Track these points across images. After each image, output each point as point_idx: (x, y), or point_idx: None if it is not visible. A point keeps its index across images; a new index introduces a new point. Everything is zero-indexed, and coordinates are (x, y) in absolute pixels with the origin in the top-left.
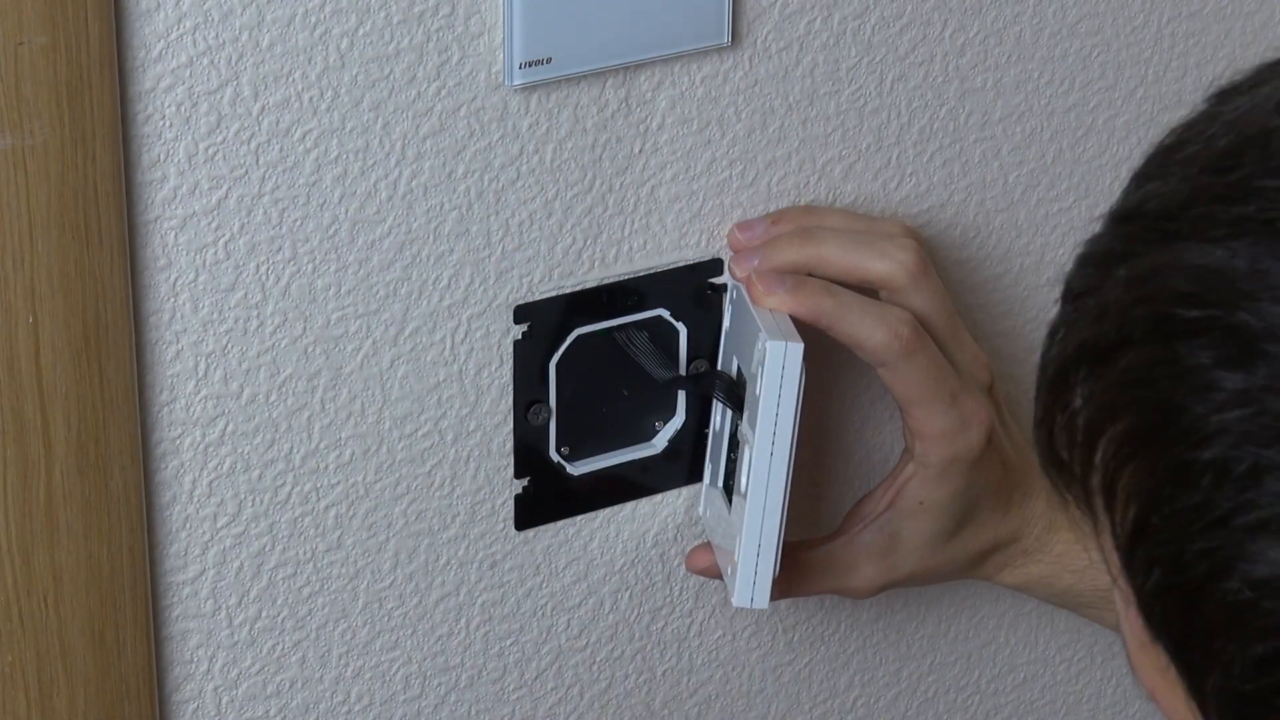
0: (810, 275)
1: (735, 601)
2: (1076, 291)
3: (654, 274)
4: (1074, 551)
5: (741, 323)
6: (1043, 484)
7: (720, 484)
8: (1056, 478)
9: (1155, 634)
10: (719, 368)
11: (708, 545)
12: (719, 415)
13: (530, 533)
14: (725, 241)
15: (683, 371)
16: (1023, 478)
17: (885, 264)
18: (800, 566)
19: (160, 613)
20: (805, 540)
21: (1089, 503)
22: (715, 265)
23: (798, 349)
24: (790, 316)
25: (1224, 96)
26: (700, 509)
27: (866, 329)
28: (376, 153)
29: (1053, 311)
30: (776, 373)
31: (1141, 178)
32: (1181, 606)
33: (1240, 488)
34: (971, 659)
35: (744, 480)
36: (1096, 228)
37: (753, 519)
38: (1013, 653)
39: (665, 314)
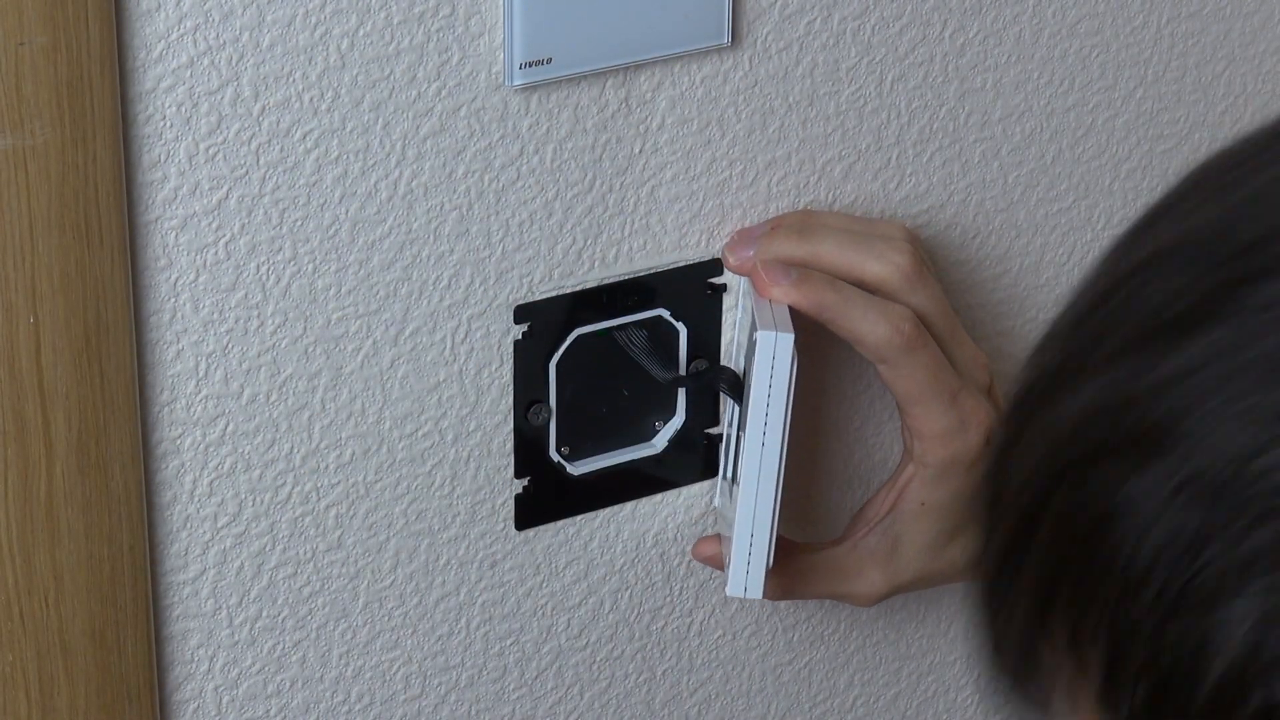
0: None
1: (729, 590)
2: (989, 497)
3: (654, 274)
4: None
5: (747, 317)
6: None
7: (727, 475)
8: (1009, 686)
9: None
10: (730, 363)
11: (716, 536)
12: (731, 409)
13: (530, 533)
14: (725, 244)
15: (683, 371)
16: None
17: (881, 265)
18: (804, 568)
19: (161, 612)
20: (810, 543)
21: (1041, 698)
22: (715, 265)
23: (788, 339)
24: (791, 310)
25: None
26: (716, 500)
27: (869, 324)
28: (377, 153)
29: (1052, 311)
30: (767, 363)
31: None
32: (1177, 707)
33: (1184, 587)
34: (971, 659)
35: (738, 470)
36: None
37: (745, 508)
38: None
39: (665, 314)
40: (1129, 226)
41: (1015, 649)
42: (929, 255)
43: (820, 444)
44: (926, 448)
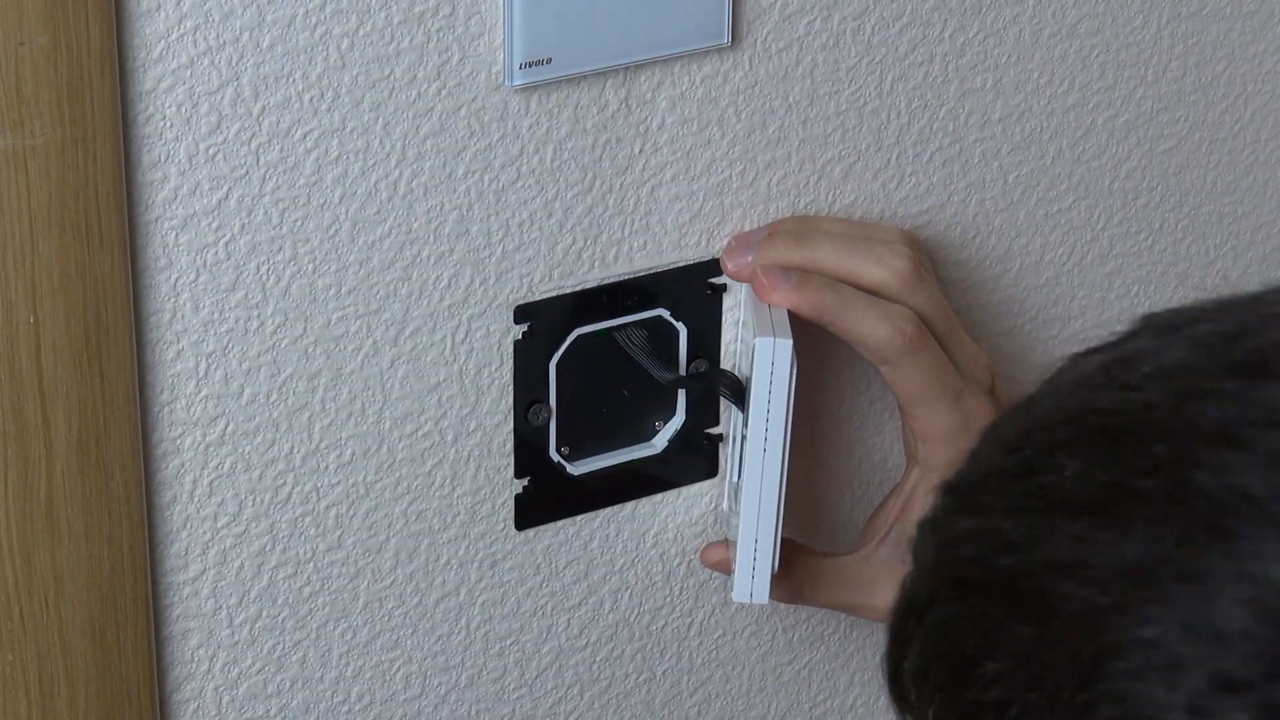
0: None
1: (735, 596)
2: (914, 553)
3: (654, 274)
4: None
5: (749, 321)
6: None
7: (733, 479)
8: (899, 710)
9: None
10: (732, 366)
11: (724, 541)
12: (734, 411)
13: (530, 533)
14: (723, 250)
15: (683, 372)
16: None
17: (879, 269)
18: (816, 573)
19: (161, 612)
20: (827, 551)
21: None
22: (715, 265)
23: (786, 344)
24: (791, 314)
25: (1034, 398)
26: (723, 503)
27: (870, 325)
28: (377, 153)
29: (1052, 311)
30: (766, 369)
31: (970, 454)
32: None
33: None
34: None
35: (741, 474)
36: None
37: (748, 513)
38: None
39: (665, 314)
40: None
41: (909, 700)
42: (929, 256)
43: (821, 445)
44: (931, 449)
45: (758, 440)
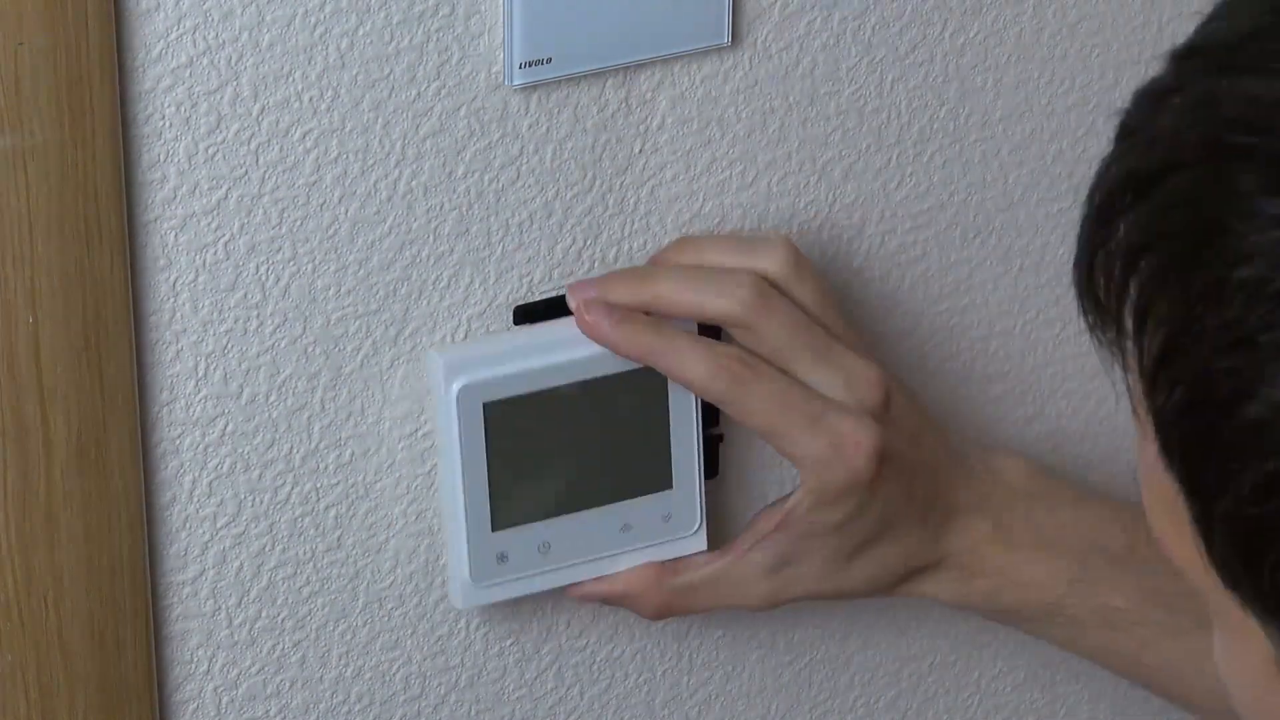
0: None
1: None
2: (1130, 127)
3: None
4: (1018, 566)
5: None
6: (972, 498)
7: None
8: (1091, 317)
9: (1169, 461)
10: None
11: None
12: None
13: None
14: (568, 284)
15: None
16: (947, 495)
17: (722, 300)
18: (684, 585)
19: (160, 613)
20: (694, 558)
21: (1120, 343)
22: None
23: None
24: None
25: None
26: None
27: (690, 365)
28: (376, 153)
29: (1053, 311)
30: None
31: (1206, 19)
32: (1199, 428)
33: (1271, 308)
34: (971, 659)
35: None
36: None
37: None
38: (1012, 653)
39: None
40: None
41: (1097, 293)
42: (922, 254)
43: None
44: (804, 474)
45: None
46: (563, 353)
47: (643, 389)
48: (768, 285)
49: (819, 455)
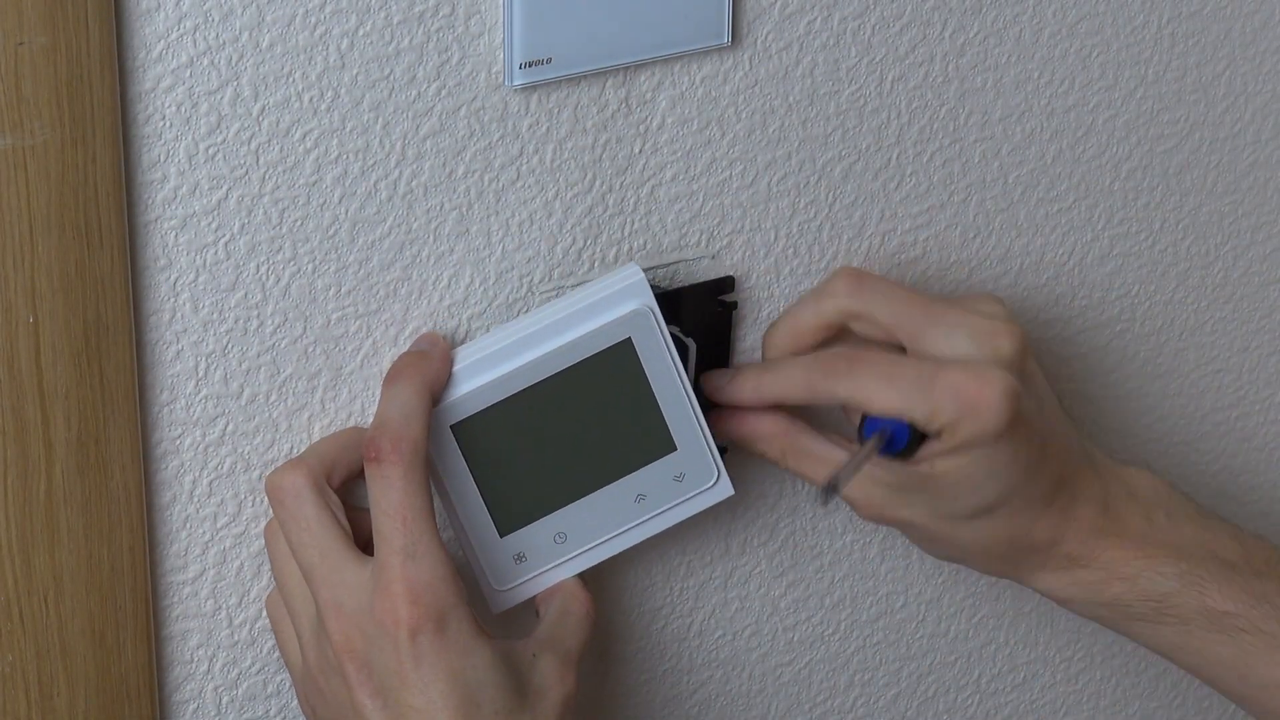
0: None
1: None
2: None
3: (664, 292)
4: (1125, 559)
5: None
6: (1094, 490)
7: None
8: None
9: None
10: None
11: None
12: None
13: None
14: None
15: (691, 377)
16: (1073, 482)
17: (828, 301)
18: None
19: (160, 613)
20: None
21: None
22: (726, 282)
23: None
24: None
25: None
26: None
27: (794, 380)
28: (376, 153)
29: (1053, 311)
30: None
31: None
32: None
33: None
34: (971, 659)
35: None
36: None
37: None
38: (1013, 653)
39: (676, 331)
40: None
41: None
42: (928, 261)
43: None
44: (944, 440)
45: None
46: (521, 355)
47: (614, 366)
48: (856, 269)
49: (946, 417)
